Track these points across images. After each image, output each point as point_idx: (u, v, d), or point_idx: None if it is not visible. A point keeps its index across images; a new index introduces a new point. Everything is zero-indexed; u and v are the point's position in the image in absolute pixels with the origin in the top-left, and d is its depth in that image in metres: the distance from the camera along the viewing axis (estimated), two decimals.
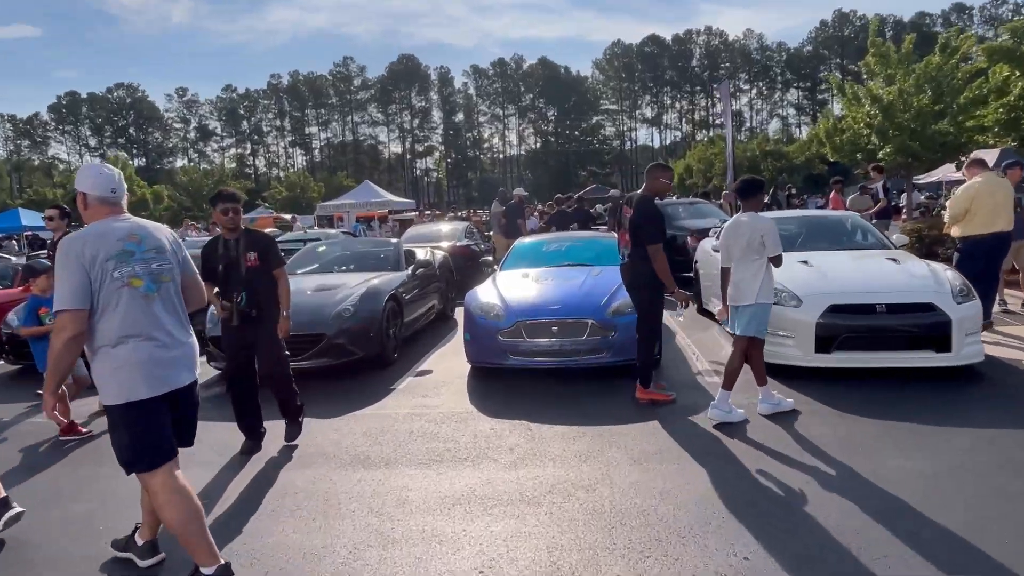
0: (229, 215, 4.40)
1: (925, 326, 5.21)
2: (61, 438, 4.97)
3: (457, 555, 2.99)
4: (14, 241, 23.02)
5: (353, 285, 6.90)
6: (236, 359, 4.59)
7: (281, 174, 76.64)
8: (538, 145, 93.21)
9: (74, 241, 2.49)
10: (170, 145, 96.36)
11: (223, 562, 2.60)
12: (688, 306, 5.58)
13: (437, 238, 14.31)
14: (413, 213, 30.46)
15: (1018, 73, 9.36)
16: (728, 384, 4.58)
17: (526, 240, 8.65)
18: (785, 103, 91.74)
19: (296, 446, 4.57)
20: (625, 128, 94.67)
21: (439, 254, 9.88)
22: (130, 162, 56.14)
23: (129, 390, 2.46)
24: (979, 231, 6.49)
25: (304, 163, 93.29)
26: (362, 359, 6.33)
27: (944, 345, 5.14)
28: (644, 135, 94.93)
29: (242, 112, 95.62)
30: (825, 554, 2.79)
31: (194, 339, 2.84)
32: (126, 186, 2.84)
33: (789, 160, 40.42)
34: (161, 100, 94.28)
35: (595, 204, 16.79)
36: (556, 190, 32.40)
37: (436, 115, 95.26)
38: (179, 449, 2.71)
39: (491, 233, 15.22)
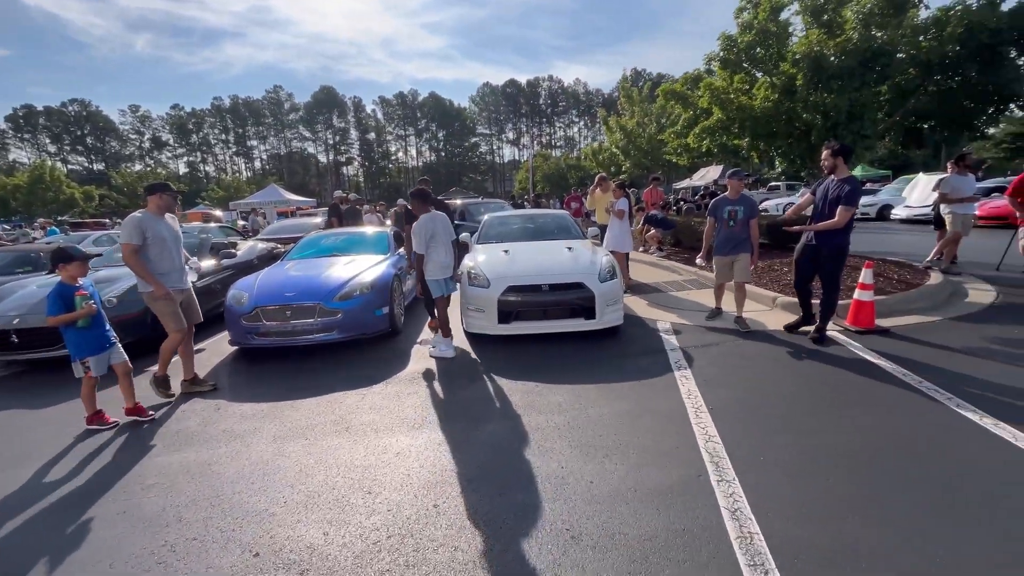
0: None
1: (577, 300, 4.98)
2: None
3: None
4: None
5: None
6: None
7: (224, 178, 68.14)
8: (432, 158, 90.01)
9: None
10: (127, 153, 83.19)
11: None
12: None
13: (303, 229, 12.77)
14: (314, 209, 27.94)
15: (688, 110, 9.41)
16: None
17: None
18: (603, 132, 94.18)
19: None
20: (495, 147, 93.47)
21: (261, 245, 8.68)
22: (59, 166, 46.86)
23: None
24: None
25: (247, 169, 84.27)
26: None
27: (591, 314, 4.96)
28: (508, 152, 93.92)
29: (190, 127, 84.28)
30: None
31: None
32: None
33: (586, 171, 41.10)
34: (115, 115, 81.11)
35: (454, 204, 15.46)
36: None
37: (353, 133, 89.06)
38: None
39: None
